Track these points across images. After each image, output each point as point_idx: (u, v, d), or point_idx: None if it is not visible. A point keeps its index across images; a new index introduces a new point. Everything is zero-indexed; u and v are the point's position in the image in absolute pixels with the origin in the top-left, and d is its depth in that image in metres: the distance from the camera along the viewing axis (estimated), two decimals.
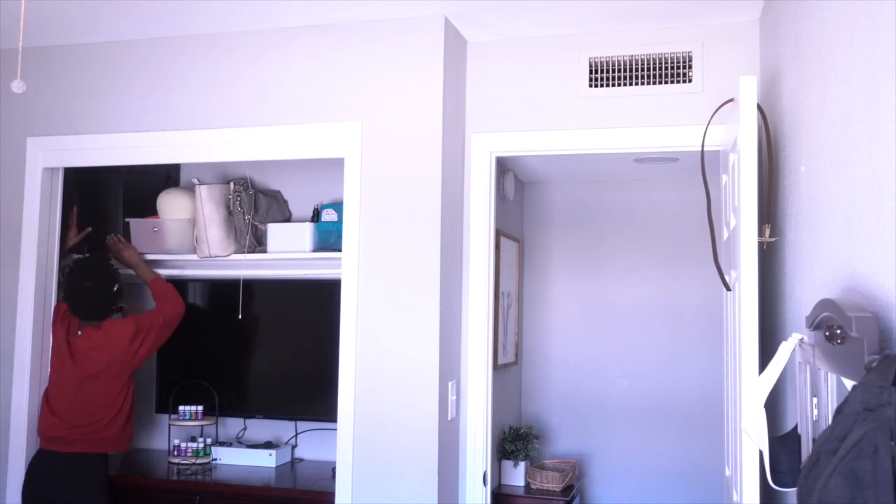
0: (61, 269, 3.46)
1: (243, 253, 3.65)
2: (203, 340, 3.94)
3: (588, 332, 4.82)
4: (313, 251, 3.61)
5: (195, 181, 3.67)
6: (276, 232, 3.66)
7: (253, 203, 3.67)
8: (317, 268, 3.69)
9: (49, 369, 3.35)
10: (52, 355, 3.36)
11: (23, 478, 3.24)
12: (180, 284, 3.93)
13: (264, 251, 3.68)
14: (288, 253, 3.62)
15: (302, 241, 3.61)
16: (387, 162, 2.98)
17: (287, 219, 3.87)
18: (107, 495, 3.28)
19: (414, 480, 2.85)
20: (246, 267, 3.80)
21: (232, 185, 3.65)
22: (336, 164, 3.14)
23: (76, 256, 3.60)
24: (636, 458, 4.70)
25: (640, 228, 4.78)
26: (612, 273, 4.80)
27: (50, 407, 3.29)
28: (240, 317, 3.74)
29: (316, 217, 3.72)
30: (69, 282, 3.39)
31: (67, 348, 3.32)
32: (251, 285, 3.81)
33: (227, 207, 3.64)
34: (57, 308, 3.40)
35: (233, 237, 3.65)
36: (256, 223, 3.69)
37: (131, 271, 3.67)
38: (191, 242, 3.71)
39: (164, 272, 3.87)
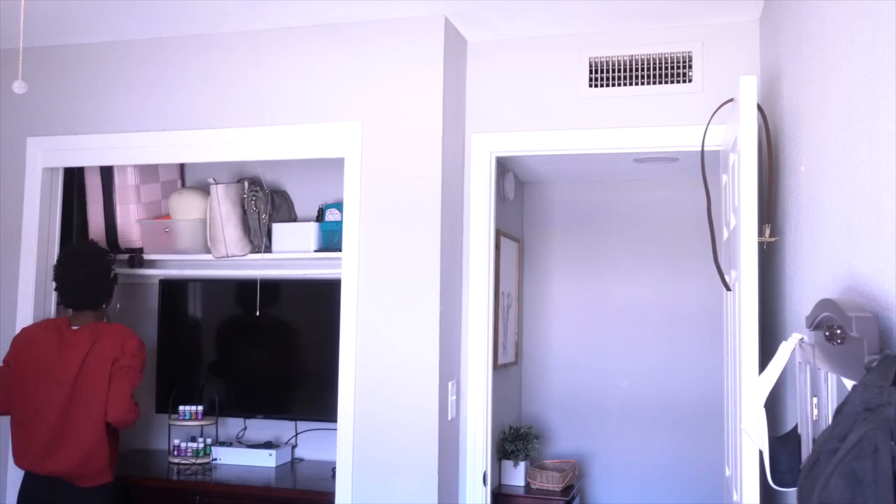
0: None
1: (259, 252, 3.63)
2: (203, 340, 3.95)
3: (588, 332, 4.82)
4: (317, 251, 3.61)
5: (211, 181, 3.63)
6: (281, 232, 3.66)
7: (269, 202, 3.65)
8: (319, 268, 3.69)
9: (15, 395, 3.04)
10: (22, 379, 3.04)
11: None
12: (183, 285, 3.94)
13: (269, 251, 3.68)
14: (293, 253, 3.61)
15: (306, 241, 3.60)
16: (387, 162, 2.98)
17: (293, 218, 3.86)
18: None
19: (414, 480, 2.85)
20: (254, 267, 3.80)
21: (246, 184, 3.63)
22: (341, 164, 3.14)
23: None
24: (636, 458, 4.70)
25: (640, 228, 4.78)
26: (613, 273, 4.80)
27: (29, 441, 3.01)
28: (257, 314, 3.73)
29: (321, 217, 3.72)
30: (63, 268, 3.15)
31: (56, 356, 3.03)
32: (254, 285, 3.81)
33: (242, 207, 3.63)
34: (27, 331, 3.14)
35: (247, 237, 3.64)
36: (273, 223, 3.66)
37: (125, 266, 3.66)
38: (202, 242, 3.69)
39: (169, 272, 3.88)
